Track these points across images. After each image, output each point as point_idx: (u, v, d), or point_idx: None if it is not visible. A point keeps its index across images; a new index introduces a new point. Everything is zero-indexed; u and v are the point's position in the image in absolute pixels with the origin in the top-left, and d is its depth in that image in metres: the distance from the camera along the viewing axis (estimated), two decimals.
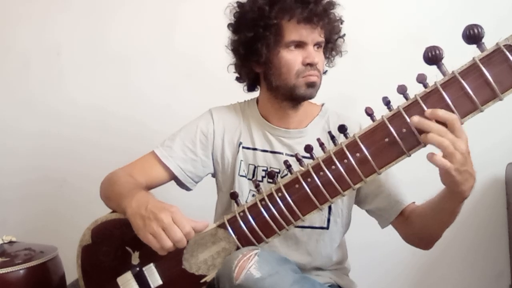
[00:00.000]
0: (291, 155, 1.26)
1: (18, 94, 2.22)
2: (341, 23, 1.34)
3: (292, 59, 1.26)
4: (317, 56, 1.27)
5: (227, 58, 1.38)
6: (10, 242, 1.54)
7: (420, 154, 1.00)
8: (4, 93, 2.22)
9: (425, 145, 0.97)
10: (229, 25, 1.35)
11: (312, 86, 1.27)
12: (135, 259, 1.17)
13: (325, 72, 1.37)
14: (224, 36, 1.36)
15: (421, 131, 0.95)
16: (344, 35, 1.37)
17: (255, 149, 1.36)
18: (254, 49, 1.28)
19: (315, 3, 1.23)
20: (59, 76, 2.19)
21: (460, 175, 0.96)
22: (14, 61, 2.21)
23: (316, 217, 1.31)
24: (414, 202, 1.28)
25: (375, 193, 1.29)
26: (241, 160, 1.35)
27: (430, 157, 0.94)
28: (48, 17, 2.19)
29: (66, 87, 2.19)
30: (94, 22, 2.16)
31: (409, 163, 1.20)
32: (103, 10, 2.15)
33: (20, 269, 1.37)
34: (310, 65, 1.26)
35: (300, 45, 1.26)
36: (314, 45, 1.27)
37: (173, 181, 1.38)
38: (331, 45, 1.35)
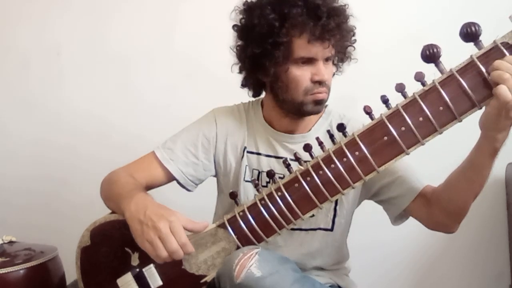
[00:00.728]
0: (295, 160, 1.25)
1: (18, 94, 2.22)
2: (354, 35, 1.29)
3: (300, 75, 1.21)
4: (326, 72, 1.23)
5: (228, 59, 1.36)
6: (10, 242, 1.54)
7: (419, 153, 1.01)
8: (4, 93, 2.22)
9: (423, 144, 0.97)
10: (235, 29, 1.30)
11: (320, 103, 1.25)
12: (134, 260, 1.17)
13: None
14: (225, 36, 1.34)
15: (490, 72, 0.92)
16: (355, 41, 1.31)
17: (259, 153, 1.35)
18: (260, 64, 1.24)
19: (327, 18, 1.17)
20: (59, 76, 2.19)
21: (507, 119, 0.94)
22: (14, 61, 2.22)
23: (321, 219, 1.30)
24: (429, 185, 1.25)
25: (390, 182, 1.25)
26: (246, 165, 1.34)
27: (497, 87, 0.90)
28: (48, 17, 2.19)
29: (66, 87, 2.19)
30: (94, 22, 2.16)
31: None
32: (103, 10, 2.15)
33: (20, 269, 1.38)
34: (319, 82, 1.22)
35: (309, 61, 1.22)
36: (324, 59, 1.23)
37: (171, 183, 1.37)
38: (341, 55, 1.31)
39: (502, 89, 0.89)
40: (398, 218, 1.29)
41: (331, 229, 1.32)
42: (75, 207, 2.11)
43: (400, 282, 2.08)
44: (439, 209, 1.19)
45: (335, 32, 1.19)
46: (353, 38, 1.30)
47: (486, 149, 1.01)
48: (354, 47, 1.32)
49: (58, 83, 2.19)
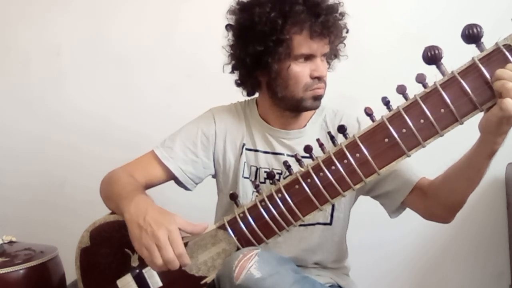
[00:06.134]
0: (292, 156, 1.26)
1: (18, 93, 2.22)
2: (347, 32, 1.32)
3: (300, 71, 1.24)
4: (324, 68, 1.27)
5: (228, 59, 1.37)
6: (10, 242, 1.55)
7: (420, 155, 1.00)
8: (5, 93, 2.22)
9: (424, 146, 0.97)
10: (232, 30, 1.32)
11: (319, 99, 1.28)
12: (134, 261, 1.17)
13: None
14: (225, 36, 1.36)
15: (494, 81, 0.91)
16: (345, 38, 1.34)
17: (256, 150, 1.36)
18: (262, 62, 1.25)
19: (326, 14, 1.21)
20: (59, 76, 2.20)
21: (508, 125, 0.93)
22: (15, 61, 2.22)
23: (319, 214, 1.29)
24: (425, 177, 1.25)
25: (386, 175, 1.25)
26: (245, 162, 1.35)
27: (502, 101, 0.88)
28: (48, 17, 2.20)
29: (66, 87, 2.20)
30: (94, 22, 2.16)
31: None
32: (104, 10, 2.16)
33: (20, 269, 1.38)
34: (318, 78, 1.25)
35: (308, 57, 1.24)
36: (321, 55, 1.26)
37: (171, 183, 1.38)
38: (333, 51, 1.33)
39: (508, 103, 0.88)
40: (395, 211, 1.29)
41: (330, 223, 1.33)
42: (76, 206, 2.11)
43: (401, 281, 2.08)
44: (436, 202, 1.20)
45: (333, 28, 1.23)
46: (344, 35, 1.32)
47: (485, 150, 1.01)
48: (344, 44, 1.35)
49: (58, 82, 2.20)
